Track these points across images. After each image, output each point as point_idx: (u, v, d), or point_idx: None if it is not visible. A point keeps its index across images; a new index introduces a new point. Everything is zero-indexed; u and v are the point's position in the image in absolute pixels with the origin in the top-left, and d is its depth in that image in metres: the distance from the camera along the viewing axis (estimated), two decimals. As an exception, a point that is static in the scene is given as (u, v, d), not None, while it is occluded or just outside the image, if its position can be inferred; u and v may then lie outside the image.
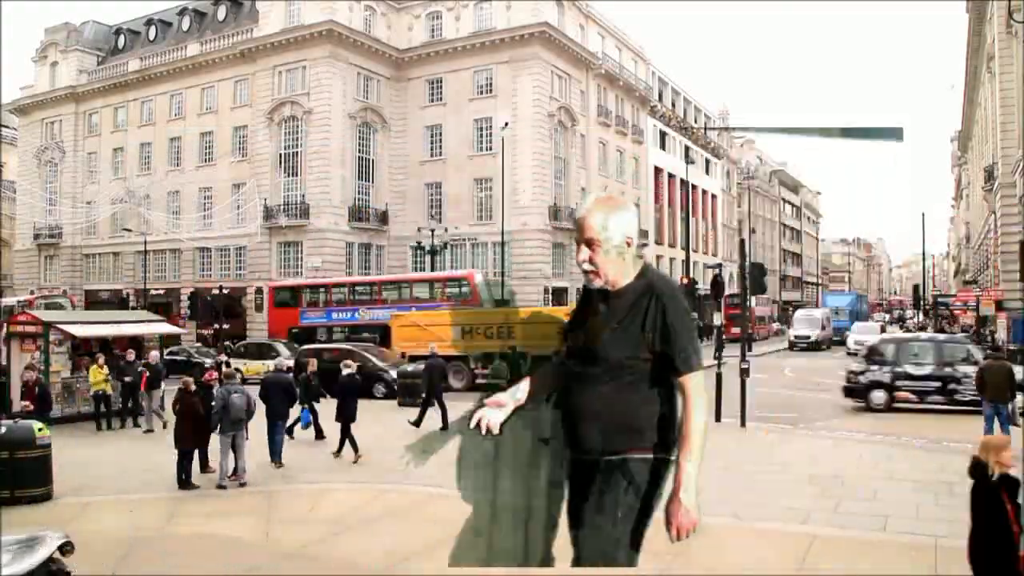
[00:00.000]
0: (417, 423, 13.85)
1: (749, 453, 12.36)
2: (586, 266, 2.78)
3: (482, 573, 2.69)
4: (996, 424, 11.61)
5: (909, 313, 49.05)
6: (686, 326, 2.73)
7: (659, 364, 2.72)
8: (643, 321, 2.70)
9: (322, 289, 31.08)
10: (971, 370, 14.38)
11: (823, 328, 43.37)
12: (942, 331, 34.95)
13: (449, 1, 40.98)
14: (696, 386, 2.70)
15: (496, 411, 2.84)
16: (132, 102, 46.13)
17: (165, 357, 25.43)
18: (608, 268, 2.76)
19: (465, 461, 3.22)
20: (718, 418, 14.75)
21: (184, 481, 9.80)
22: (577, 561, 2.77)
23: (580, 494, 2.80)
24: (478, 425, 2.81)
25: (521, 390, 2.95)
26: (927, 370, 16.05)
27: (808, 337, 42.03)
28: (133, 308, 38.39)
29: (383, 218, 40.89)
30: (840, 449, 12.56)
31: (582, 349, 2.82)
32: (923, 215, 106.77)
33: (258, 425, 10.89)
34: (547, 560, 3.08)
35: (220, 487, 9.80)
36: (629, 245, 2.78)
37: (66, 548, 4.44)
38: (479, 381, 20.63)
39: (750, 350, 21.25)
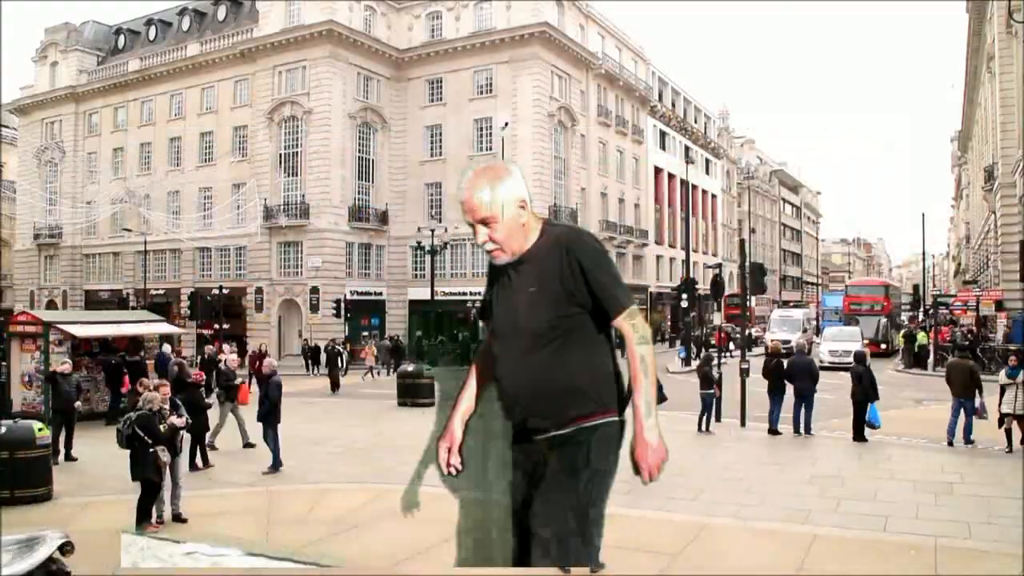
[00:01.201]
0: None
1: (749, 453, 12.38)
2: (489, 246, 2.63)
3: (482, 573, 2.62)
4: (962, 415, 12.53)
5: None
6: (605, 268, 2.61)
7: (591, 317, 2.59)
8: (560, 278, 2.57)
9: None
10: None
11: (804, 331, 39.36)
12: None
13: (449, 1, 40.95)
14: (633, 323, 2.56)
15: (444, 448, 2.76)
16: (132, 102, 46.08)
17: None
18: (511, 241, 2.62)
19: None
20: (718, 418, 14.78)
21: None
22: (528, 536, 2.57)
23: (534, 481, 2.60)
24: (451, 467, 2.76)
25: (467, 397, 2.84)
26: None
27: (789, 343, 38.32)
28: (133, 308, 38.37)
29: (383, 218, 40.87)
30: (840, 449, 12.56)
31: (504, 325, 2.70)
32: (923, 215, 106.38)
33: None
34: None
35: None
36: (524, 208, 2.62)
37: (66, 548, 4.42)
38: None
39: (750, 350, 21.26)
